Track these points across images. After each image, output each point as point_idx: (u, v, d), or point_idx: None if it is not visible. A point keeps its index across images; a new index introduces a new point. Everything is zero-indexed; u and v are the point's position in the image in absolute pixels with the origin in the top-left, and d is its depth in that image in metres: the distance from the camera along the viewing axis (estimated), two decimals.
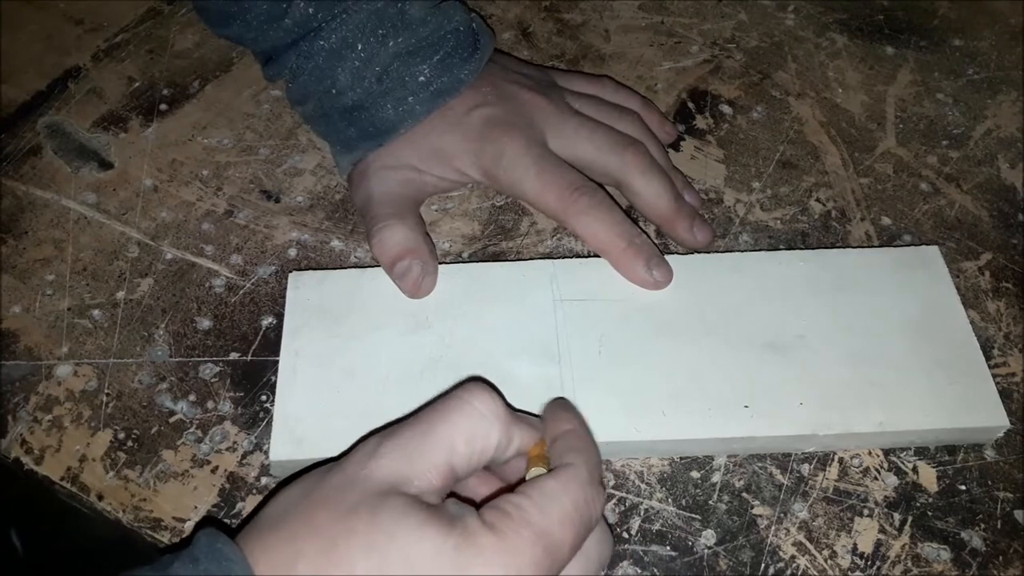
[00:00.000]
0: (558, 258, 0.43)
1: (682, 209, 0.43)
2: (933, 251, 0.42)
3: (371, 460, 0.28)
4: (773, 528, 0.36)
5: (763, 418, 0.36)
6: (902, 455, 0.38)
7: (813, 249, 0.44)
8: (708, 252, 0.43)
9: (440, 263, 0.41)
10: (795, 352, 0.38)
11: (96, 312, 0.41)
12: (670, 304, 0.40)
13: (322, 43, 0.41)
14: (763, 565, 0.35)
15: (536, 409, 0.35)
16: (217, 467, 0.37)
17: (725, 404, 0.37)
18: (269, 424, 0.38)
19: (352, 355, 0.38)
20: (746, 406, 0.37)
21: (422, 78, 0.42)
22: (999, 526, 0.36)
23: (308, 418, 0.36)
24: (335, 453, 0.32)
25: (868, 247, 0.44)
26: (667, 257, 0.41)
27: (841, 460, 0.38)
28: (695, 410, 0.37)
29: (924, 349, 0.38)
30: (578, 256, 0.44)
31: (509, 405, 0.31)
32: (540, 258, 0.44)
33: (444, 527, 0.26)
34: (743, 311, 0.39)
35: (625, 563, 0.35)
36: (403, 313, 0.39)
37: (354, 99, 0.42)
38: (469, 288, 0.40)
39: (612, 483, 0.37)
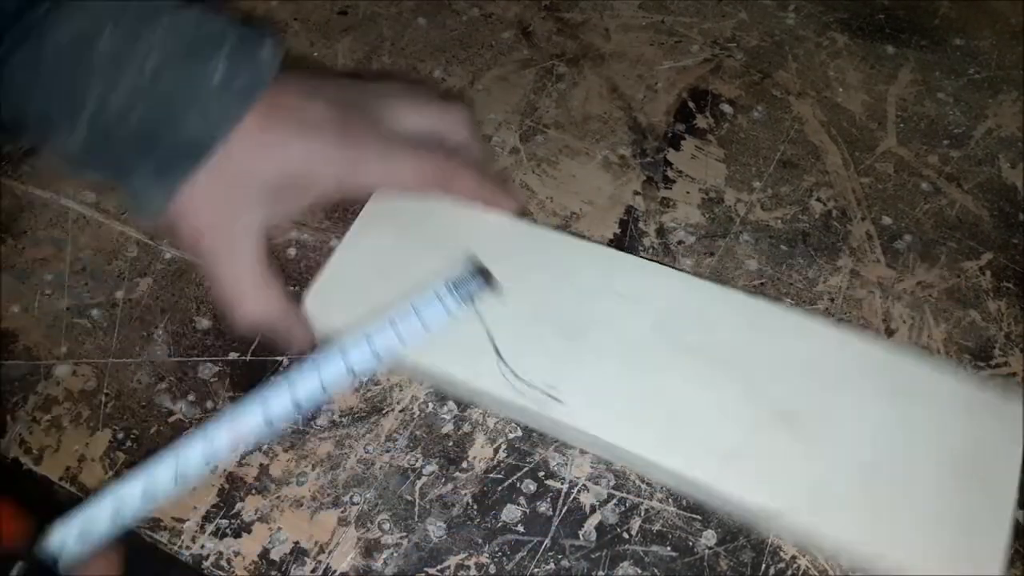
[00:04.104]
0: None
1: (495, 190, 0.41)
2: (1017, 407, 0.36)
3: None
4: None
5: (735, 475, 0.35)
6: None
7: (882, 344, 0.38)
8: (776, 302, 0.39)
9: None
10: (808, 429, 0.35)
11: (95, 312, 0.41)
12: (709, 339, 0.38)
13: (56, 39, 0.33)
14: (764, 566, 0.35)
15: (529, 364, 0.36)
16: (216, 467, 0.37)
17: (708, 447, 0.35)
18: None
19: (402, 267, 0.38)
20: (725, 457, 0.35)
21: (217, 79, 0.35)
22: None
23: (342, 299, 0.38)
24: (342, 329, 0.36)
25: (945, 360, 0.39)
26: (739, 297, 0.39)
27: None
28: (675, 439, 0.35)
29: (950, 494, 0.34)
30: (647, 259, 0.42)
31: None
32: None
33: None
34: (780, 374, 0.37)
35: (626, 563, 0.35)
36: (467, 245, 0.39)
37: (141, 120, 0.34)
38: (533, 248, 0.40)
39: (612, 483, 0.37)
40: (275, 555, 0.35)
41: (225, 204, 0.36)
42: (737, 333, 0.38)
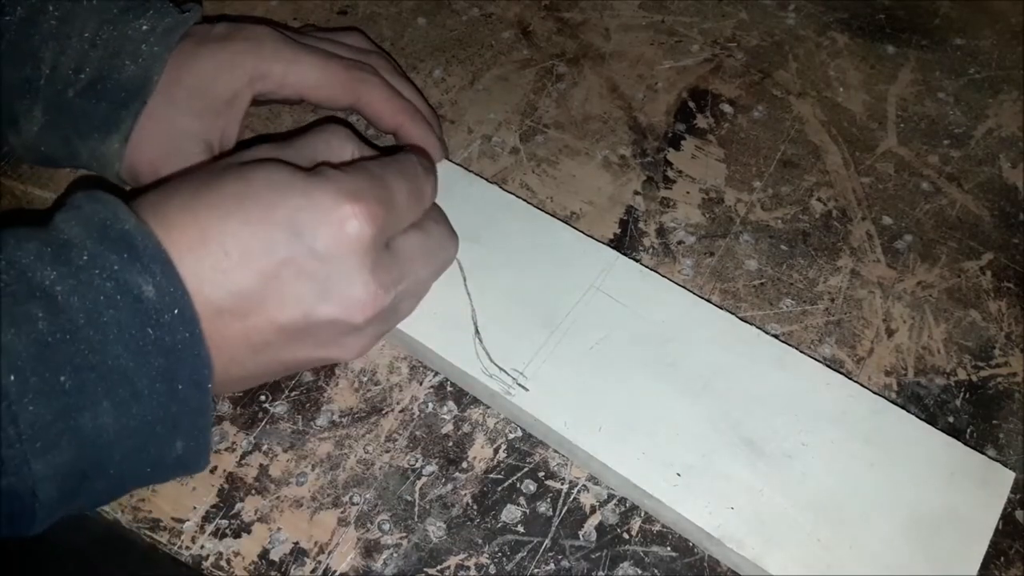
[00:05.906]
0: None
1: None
2: (1007, 476, 0.35)
3: (246, 151, 0.34)
4: None
5: (683, 493, 0.34)
6: None
7: (869, 392, 0.37)
8: (770, 334, 0.39)
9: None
10: (773, 465, 0.35)
11: None
12: (690, 355, 0.38)
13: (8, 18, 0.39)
14: None
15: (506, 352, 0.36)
16: (216, 467, 0.37)
17: (662, 461, 0.35)
18: (268, 424, 0.38)
19: None
20: (678, 474, 0.35)
21: (145, 26, 0.40)
22: (1000, 526, 0.36)
23: None
24: None
25: (938, 429, 0.37)
26: (731, 321, 0.39)
27: None
28: (631, 446, 0.35)
29: (908, 551, 0.34)
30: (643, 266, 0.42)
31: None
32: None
33: (301, 168, 0.33)
34: (754, 402, 0.37)
35: (626, 564, 0.35)
36: (468, 220, 0.41)
37: (89, 75, 0.39)
38: (534, 235, 0.42)
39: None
40: (275, 555, 0.35)
41: (168, 125, 0.40)
42: (719, 355, 0.38)
